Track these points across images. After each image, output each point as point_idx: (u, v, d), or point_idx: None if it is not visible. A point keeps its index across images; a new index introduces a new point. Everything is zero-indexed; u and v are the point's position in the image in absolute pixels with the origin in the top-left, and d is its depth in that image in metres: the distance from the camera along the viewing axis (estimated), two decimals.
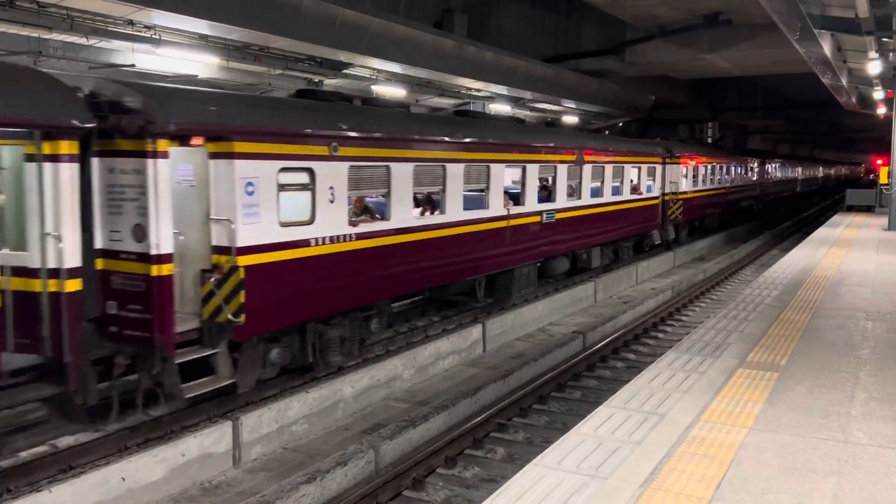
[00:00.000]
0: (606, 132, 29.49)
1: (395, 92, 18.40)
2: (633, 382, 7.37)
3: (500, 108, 22.73)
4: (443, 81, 18.69)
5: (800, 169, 56.63)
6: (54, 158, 7.44)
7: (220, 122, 8.62)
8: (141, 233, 7.92)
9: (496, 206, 14.19)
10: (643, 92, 30.07)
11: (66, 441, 8.31)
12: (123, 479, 7.59)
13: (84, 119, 7.57)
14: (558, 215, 16.61)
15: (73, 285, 7.56)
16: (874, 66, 19.41)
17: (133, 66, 13.22)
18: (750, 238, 33.19)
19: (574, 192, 17.66)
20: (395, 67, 16.08)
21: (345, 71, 15.94)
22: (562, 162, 16.67)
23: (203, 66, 14.54)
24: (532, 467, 5.37)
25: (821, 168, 73.95)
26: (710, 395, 6.94)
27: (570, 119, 28.34)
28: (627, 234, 21.55)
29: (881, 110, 29.91)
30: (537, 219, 15.78)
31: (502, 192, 14.46)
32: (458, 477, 8.82)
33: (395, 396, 11.44)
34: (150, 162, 7.84)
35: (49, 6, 10.46)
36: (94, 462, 7.93)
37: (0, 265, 7.69)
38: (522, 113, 25.25)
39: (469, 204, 13.39)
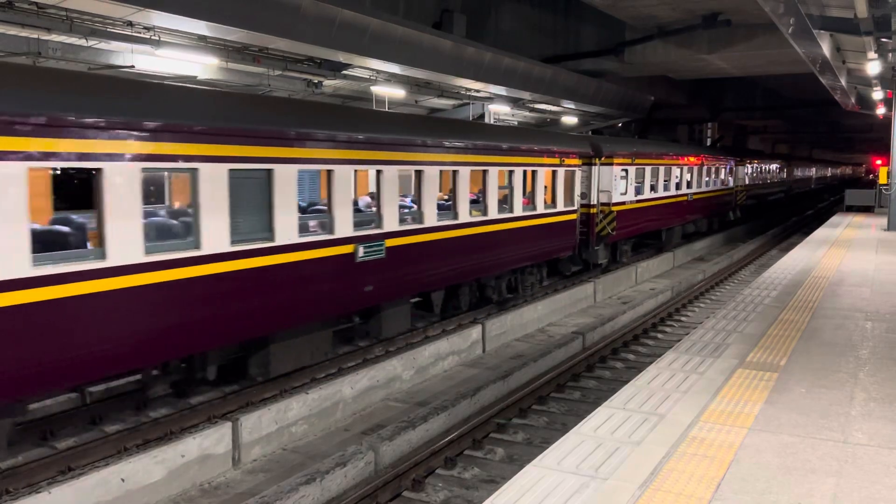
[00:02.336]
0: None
1: (395, 92, 18.38)
2: (632, 383, 7.36)
3: (499, 109, 22.72)
4: (442, 82, 18.67)
5: (814, 169, 72.11)
6: (575, 166, 18.41)
7: (611, 151, 20.83)
8: (584, 196, 19.98)
9: (671, 190, 26.36)
10: (642, 92, 30.05)
11: (65, 443, 8.32)
12: (123, 480, 7.59)
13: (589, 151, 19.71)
14: (694, 196, 28.93)
15: (577, 215, 19.09)
16: (873, 67, 19.41)
17: (132, 67, 13.20)
18: (749, 238, 33.25)
19: (698, 182, 29.39)
20: (394, 68, 16.07)
21: (344, 72, 15.93)
22: (694, 164, 28.87)
23: (202, 67, 14.54)
24: (532, 468, 5.37)
25: (829, 168, 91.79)
26: (709, 396, 6.95)
27: (570, 119, 28.32)
28: (719, 211, 33.64)
29: (880, 111, 29.87)
30: (685, 198, 27.92)
31: (674, 182, 26.59)
32: (457, 478, 8.83)
33: (394, 397, 11.45)
34: (594, 168, 20.37)
35: (48, 7, 10.43)
36: (94, 463, 7.94)
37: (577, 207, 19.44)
38: (522, 113, 25.23)
39: (665, 189, 25.82)
